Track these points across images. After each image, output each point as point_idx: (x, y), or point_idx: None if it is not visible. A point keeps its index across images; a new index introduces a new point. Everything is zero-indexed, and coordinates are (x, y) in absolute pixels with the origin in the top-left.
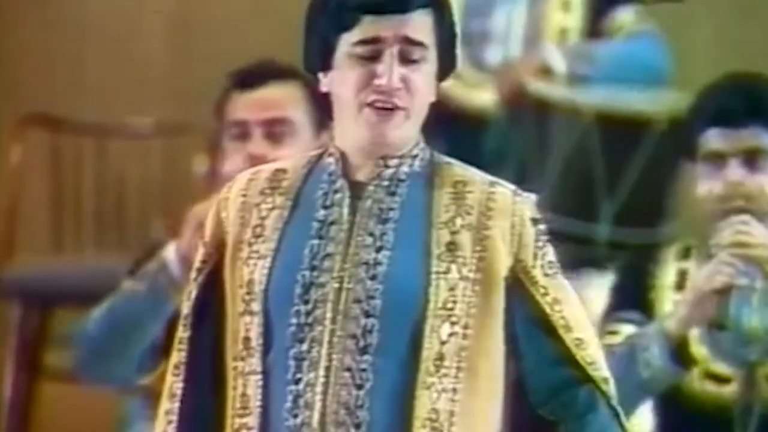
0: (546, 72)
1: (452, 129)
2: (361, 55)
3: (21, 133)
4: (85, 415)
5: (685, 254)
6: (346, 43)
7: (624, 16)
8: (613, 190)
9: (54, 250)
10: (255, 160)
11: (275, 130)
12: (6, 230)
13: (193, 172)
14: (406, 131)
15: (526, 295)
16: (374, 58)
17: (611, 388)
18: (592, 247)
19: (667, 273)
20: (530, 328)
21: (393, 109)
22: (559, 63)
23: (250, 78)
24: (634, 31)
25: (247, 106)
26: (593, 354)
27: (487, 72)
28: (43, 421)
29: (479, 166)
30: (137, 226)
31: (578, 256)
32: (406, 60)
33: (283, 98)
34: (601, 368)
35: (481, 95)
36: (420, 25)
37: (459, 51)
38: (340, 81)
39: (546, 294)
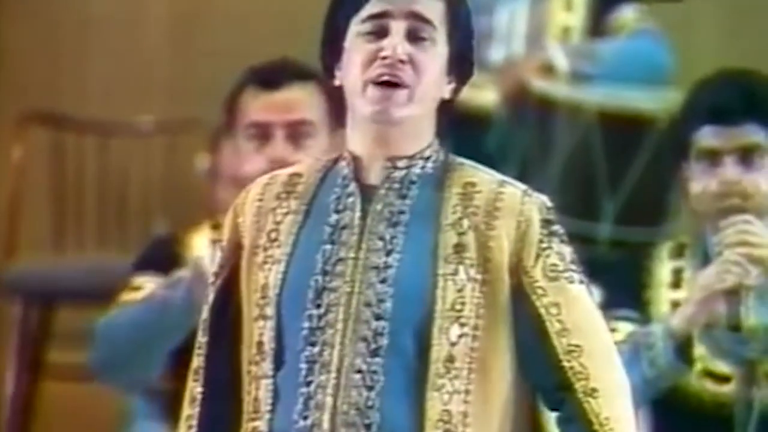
0: (548, 70)
1: (454, 127)
2: (369, 32)
3: (23, 131)
4: (86, 413)
5: (679, 252)
6: (355, 24)
7: (626, 15)
8: (615, 188)
9: (55, 248)
10: (277, 163)
11: (297, 132)
12: (8, 228)
13: (195, 170)
14: (409, 113)
15: (524, 297)
16: (381, 34)
17: (598, 401)
18: (594, 246)
19: (662, 271)
20: (525, 329)
21: (397, 85)
22: (561, 61)
23: (272, 77)
24: (636, 29)
25: (269, 106)
26: (586, 363)
27: (490, 70)
28: (44, 419)
29: (481, 165)
30: (139, 224)
31: (579, 255)
32: (414, 38)
33: (305, 100)
34: (589, 378)
35: (483, 94)
36: (430, 6)
37: (475, 56)
38: (348, 63)
39: (544, 296)
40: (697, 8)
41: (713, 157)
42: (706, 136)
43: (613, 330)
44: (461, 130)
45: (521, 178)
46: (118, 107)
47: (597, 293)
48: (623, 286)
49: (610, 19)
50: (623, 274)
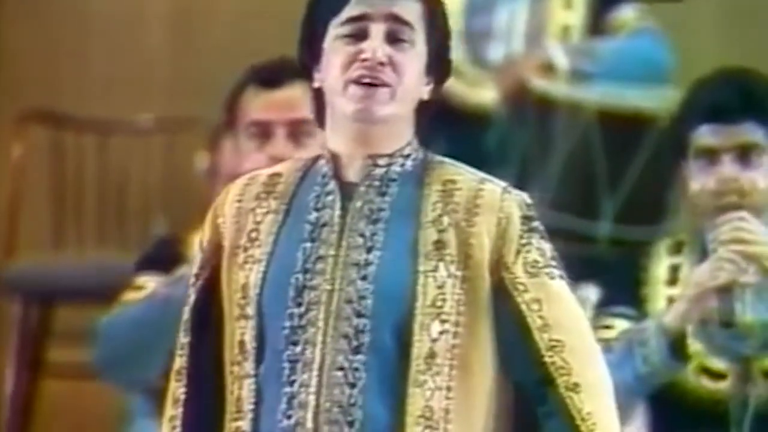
0: (548, 69)
1: (454, 126)
2: (348, 34)
3: (22, 130)
4: (86, 412)
5: (677, 249)
6: (335, 26)
7: (626, 14)
8: (615, 187)
9: (55, 246)
10: (277, 161)
11: (298, 130)
12: (7, 227)
13: (195, 169)
14: (392, 111)
15: (505, 293)
16: (361, 37)
17: (581, 396)
18: (593, 245)
19: (660, 268)
20: (506, 325)
21: (378, 85)
22: (561, 60)
23: (273, 76)
24: (636, 28)
25: (270, 105)
26: (568, 358)
27: (489, 69)
28: (44, 417)
29: (481, 164)
30: (138, 223)
31: (579, 254)
32: (393, 40)
33: (305, 98)
34: (571, 373)
35: (483, 92)
36: (408, 8)
37: (452, 56)
38: (328, 65)
39: (525, 292)
40: (697, 8)
41: (711, 156)
42: (705, 135)
43: (609, 327)
44: (461, 129)
45: (521, 176)
46: (118, 106)
47: (595, 291)
48: (621, 284)
49: (610, 18)
50: (621, 271)
